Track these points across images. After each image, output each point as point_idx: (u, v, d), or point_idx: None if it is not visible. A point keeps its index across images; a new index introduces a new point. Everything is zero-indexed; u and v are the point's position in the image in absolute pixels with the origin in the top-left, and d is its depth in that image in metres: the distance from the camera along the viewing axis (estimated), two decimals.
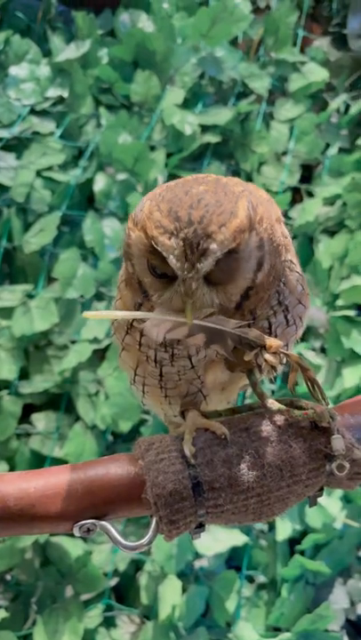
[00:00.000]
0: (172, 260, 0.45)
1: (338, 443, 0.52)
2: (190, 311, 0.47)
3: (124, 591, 1.46)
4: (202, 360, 0.55)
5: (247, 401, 1.58)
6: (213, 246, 0.45)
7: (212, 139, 1.72)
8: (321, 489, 0.58)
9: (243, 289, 0.50)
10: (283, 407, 0.53)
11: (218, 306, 0.49)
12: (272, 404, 0.53)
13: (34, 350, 1.54)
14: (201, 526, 0.55)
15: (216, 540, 1.41)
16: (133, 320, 0.54)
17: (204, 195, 0.47)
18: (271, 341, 0.50)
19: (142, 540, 0.53)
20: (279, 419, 0.56)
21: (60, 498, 0.53)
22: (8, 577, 1.41)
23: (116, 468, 0.54)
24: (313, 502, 0.60)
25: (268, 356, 0.50)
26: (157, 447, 0.55)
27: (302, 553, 1.46)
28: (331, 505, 1.46)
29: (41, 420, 1.48)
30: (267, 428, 0.56)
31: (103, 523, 0.53)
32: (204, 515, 0.54)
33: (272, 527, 1.49)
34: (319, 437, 0.55)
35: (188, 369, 0.55)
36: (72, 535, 1.40)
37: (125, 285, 0.54)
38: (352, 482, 0.58)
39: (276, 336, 0.55)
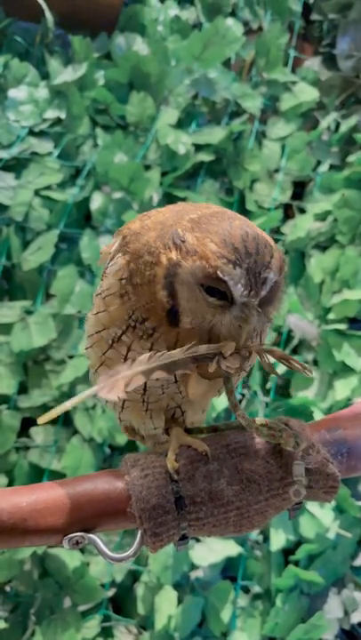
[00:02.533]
0: (238, 289, 0.49)
1: (297, 469, 0.56)
2: (245, 336, 0.51)
3: (122, 602, 1.49)
4: (184, 375, 0.56)
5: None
6: (271, 275, 0.50)
7: (206, 157, 1.77)
8: (299, 502, 0.62)
9: (277, 313, 0.54)
10: (252, 423, 0.56)
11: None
12: (243, 417, 0.55)
13: (32, 365, 1.57)
14: (184, 538, 0.58)
15: (211, 551, 1.43)
16: (122, 334, 0.55)
17: (245, 227, 0.51)
18: (225, 347, 0.52)
19: (128, 552, 0.56)
20: (258, 435, 0.60)
21: (50, 512, 0.56)
22: (7, 588, 1.44)
23: (104, 484, 0.57)
24: (292, 514, 0.63)
25: (227, 362, 0.52)
26: (142, 463, 0.59)
27: (297, 563, 1.48)
28: (324, 515, 1.48)
29: (39, 434, 1.52)
30: (246, 444, 0.59)
31: (91, 535, 0.56)
32: (187, 527, 0.57)
33: (266, 538, 1.52)
34: (296, 454, 0.58)
35: (171, 382, 0.57)
36: None
37: (120, 298, 0.55)
38: (328, 495, 0.61)
39: (260, 340, 0.58)
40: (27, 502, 0.56)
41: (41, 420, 0.51)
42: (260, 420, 0.60)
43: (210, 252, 0.50)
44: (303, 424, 0.62)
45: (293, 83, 1.94)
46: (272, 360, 0.56)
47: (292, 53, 2.04)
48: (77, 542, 0.56)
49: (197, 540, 1.47)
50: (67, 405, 0.51)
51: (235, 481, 0.57)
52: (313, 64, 2.02)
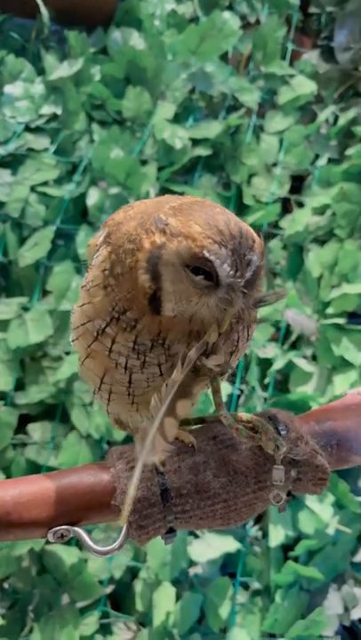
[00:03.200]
0: (224, 269, 0.48)
1: (277, 474, 0.55)
2: (229, 319, 0.50)
3: (121, 598, 1.48)
4: (170, 368, 0.56)
5: (241, 409, 1.60)
6: (255, 258, 0.50)
7: (203, 152, 1.76)
8: (289, 494, 0.61)
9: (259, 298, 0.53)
10: (233, 423, 0.55)
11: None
12: (225, 417, 0.55)
13: (29, 362, 1.57)
14: (172, 531, 0.58)
15: (209, 547, 1.42)
16: (106, 326, 0.55)
17: (226, 214, 0.51)
18: (209, 335, 0.52)
19: (113, 545, 0.55)
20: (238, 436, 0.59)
21: (34, 505, 0.55)
22: (5, 585, 1.43)
23: (89, 477, 0.57)
24: (282, 508, 0.62)
25: (211, 360, 0.52)
26: (128, 456, 0.58)
27: (296, 559, 1.48)
28: (323, 511, 1.47)
29: (37, 430, 1.51)
30: (233, 436, 0.59)
31: (76, 529, 0.56)
32: (173, 520, 0.56)
33: (265, 534, 1.51)
34: (276, 458, 0.57)
35: (157, 376, 0.56)
36: (67, 543, 1.41)
37: (103, 289, 0.55)
38: (317, 487, 0.60)
39: (238, 350, 0.58)
40: (10, 496, 0.55)
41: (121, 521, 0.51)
42: (246, 415, 0.59)
43: (195, 233, 0.49)
44: (292, 416, 0.61)
45: (291, 76, 1.92)
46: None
47: (290, 47, 2.03)
48: (62, 535, 0.56)
49: (195, 537, 1.47)
50: (130, 490, 0.50)
51: (221, 473, 0.56)
52: (311, 57, 2.01)
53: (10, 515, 0.55)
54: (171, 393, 0.51)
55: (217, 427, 0.60)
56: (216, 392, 0.56)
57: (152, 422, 0.51)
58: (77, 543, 1.44)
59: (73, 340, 0.60)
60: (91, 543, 0.55)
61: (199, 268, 0.50)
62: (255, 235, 0.52)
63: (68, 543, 1.43)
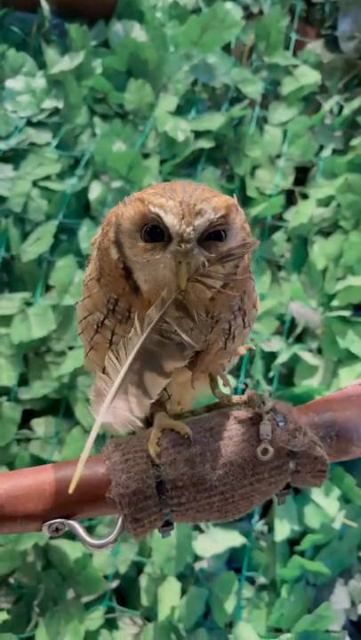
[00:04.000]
0: (170, 218, 0.48)
1: (263, 428, 0.55)
2: (184, 272, 0.49)
3: (126, 593, 1.48)
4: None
5: None
6: (207, 207, 0.49)
7: (206, 144, 1.74)
8: (288, 487, 0.60)
9: (230, 267, 0.52)
10: (226, 394, 0.57)
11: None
12: (218, 391, 0.58)
13: (33, 357, 1.57)
14: (168, 524, 0.57)
15: (214, 542, 1.42)
16: (104, 318, 0.56)
17: (192, 182, 0.52)
18: (166, 293, 0.52)
19: (108, 539, 0.54)
20: (243, 419, 0.58)
21: (28, 498, 0.54)
22: (11, 580, 1.43)
23: (84, 469, 0.56)
24: (281, 500, 0.61)
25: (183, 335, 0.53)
26: (124, 448, 0.57)
27: (302, 554, 1.46)
28: (329, 505, 1.46)
29: (40, 425, 1.51)
30: (230, 427, 0.58)
31: (71, 522, 0.55)
32: (169, 513, 0.55)
33: (271, 528, 1.50)
34: (281, 436, 0.56)
35: None
36: (72, 538, 1.40)
37: (97, 282, 0.56)
38: (317, 479, 0.59)
39: (233, 337, 0.57)
40: (4, 489, 0.55)
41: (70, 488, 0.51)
42: (236, 398, 0.59)
43: (146, 194, 0.50)
44: (291, 407, 0.60)
45: (295, 66, 1.90)
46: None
47: (294, 37, 2.00)
48: (57, 529, 0.55)
49: (201, 531, 1.46)
50: (84, 456, 0.51)
51: (218, 465, 0.55)
52: (315, 47, 1.98)
53: (4, 508, 0.54)
54: (131, 354, 0.50)
55: (213, 418, 0.59)
56: (201, 368, 0.56)
57: (109, 383, 0.52)
58: None
59: (79, 334, 0.62)
60: (85, 536, 0.54)
61: (152, 228, 0.50)
62: (230, 203, 0.51)
63: (72, 538, 1.43)
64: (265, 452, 0.54)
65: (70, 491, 0.51)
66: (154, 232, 0.50)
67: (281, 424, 0.57)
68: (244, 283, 0.55)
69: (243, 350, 0.63)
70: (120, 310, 0.54)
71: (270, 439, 0.54)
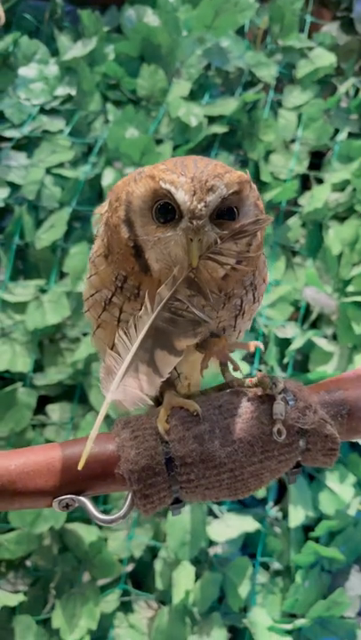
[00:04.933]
0: (180, 195, 0.48)
1: (277, 407, 0.54)
2: (196, 250, 0.48)
3: (141, 577, 1.49)
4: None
5: None
6: (220, 183, 0.48)
7: (219, 129, 1.73)
8: (298, 465, 0.59)
9: (243, 245, 0.51)
10: (237, 378, 0.57)
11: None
12: (227, 375, 0.58)
13: (48, 343, 1.58)
14: (178, 502, 0.57)
15: (228, 527, 1.42)
16: (112, 296, 0.55)
17: (205, 159, 0.51)
18: (177, 270, 0.51)
19: (118, 514, 0.55)
20: (253, 397, 0.58)
21: (39, 475, 0.55)
22: (27, 563, 1.46)
23: (94, 446, 0.56)
24: (292, 479, 0.61)
25: (198, 313, 0.52)
26: (133, 425, 0.57)
27: (318, 540, 1.46)
28: (344, 491, 1.45)
29: (55, 411, 1.52)
30: (239, 405, 0.57)
31: (81, 498, 0.55)
32: (178, 490, 0.55)
33: (286, 514, 1.50)
34: (291, 414, 0.56)
35: None
36: (87, 522, 1.42)
37: (105, 258, 0.55)
38: (328, 458, 0.59)
39: (243, 313, 0.57)
40: (15, 465, 0.55)
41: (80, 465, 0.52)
42: (247, 381, 0.59)
43: (157, 171, 0.49)
44: (301, 385, 0.60)
45: (310, 49, 1.87)
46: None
47: (309, 19, 1.97)
48: (67, 505, 0.56)
49: (215, 517, 1.46)
50: (93, 433, 0.52)
51: (227, 442, 0.55)
52: (331, 29, 1.95)
53: (15, 484, 0.55)
54: (142, 332, 0.50)
55: (223, 396, 0.58)
56: (212, 354, 0.56)
57: (119, 360, 0.52)
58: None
59: (85, 312, 0.61)
60: (95, 512, 0.54)
61: (163, 205, 0.49)
62: (242, 178, 0.50)
63: (87, 522, 1.44)
64: (280, 432, 0.53)
65: (80, 467, 0.51)
66: (165, 209, 0.49)
67: (291, 402, 0.57)
68: (257, 259, 0.55)
69: (252, 347, 0.62)
70: (128, 287, 0.54)
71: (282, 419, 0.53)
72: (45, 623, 1.38)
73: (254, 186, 0.53)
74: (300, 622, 1.39)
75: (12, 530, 1.40)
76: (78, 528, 1.42)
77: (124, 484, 0.55)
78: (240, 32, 1.89)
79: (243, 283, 0.55)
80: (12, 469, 0.55)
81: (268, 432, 0.55)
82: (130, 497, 0.55)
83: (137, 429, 0.56)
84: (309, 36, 1.95)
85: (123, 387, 0.52)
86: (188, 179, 0.48)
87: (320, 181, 1.77)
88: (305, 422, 0.56)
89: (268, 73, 1.82)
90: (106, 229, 0.54)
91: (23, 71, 1.78)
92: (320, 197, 1.66)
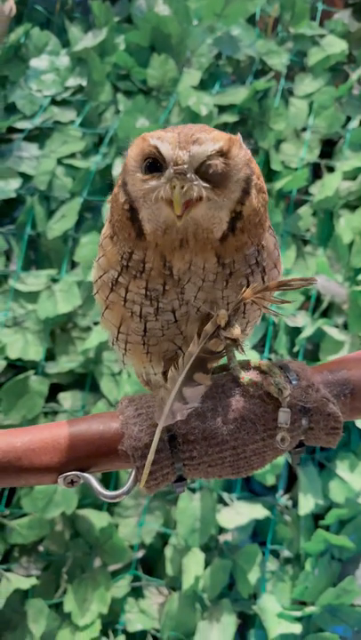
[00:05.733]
0: (165, 147, 0.49)
1: (282, 416, 0.54)
2: (179, 197, 0.49)
3: (152, 563, 1.51)
4: (185, 315, 0.57)
5: None
6: (205, 137, 0.50)
7: (230, 118, 1.72)
8: (301, 445, 0.60)
9: (233, 202, 0.51)
10: (240, 373, 0.57)
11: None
12: (234, 368, 0.58)
13: (59, 332, 1.59)
14: (181, 480, 0.58)
15: (238, 514, 1.43)
16: (118, 276, 0.56)
17: (198, 125, 0.53)
18: (219, 316, 0.55)
19: (122, 490, 0.56)
20: (255, 376, 0.58)
21: (44, 451, 0.56)
22: (40, 547, 1.48)
23: (98, 424, 0.57)
24: (295, 459, 0.61)
25: (226, 332, 0.55)
26: (137, 403, 0.58)
27: (327, 528, 1.46)
28: (354, 480, 1.45)
29: (67, 399, 1.54)
30: (242, 384, 0.58)
31: (86, 474, 0.56)
32: (182, 468, 0.56)
33: (296, 503, 1.50)
34: (293, 393, 0.56)
35: (171, 323, 0.57)
36: (99, 508, 1.43)
37: (111, 240, 0.56)
38: (331, 437, 0.59)
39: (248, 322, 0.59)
40: (21, 442, 0.56)
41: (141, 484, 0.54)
42: (254, 362, 0.58)
43: (150, 132, 0.52)
44: (304, 365, 0.60)
45: (321, 36, 1.85)
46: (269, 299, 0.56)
47: (320, 6, 1.95)
48: (72, 481, 0.56)
49: (225, 504, 1.47)
50: (150, 459, 0.54)
51: (229, 420, 0.56)
52: (342, 16, 1.93)
53: (21, 460, 0.56)
54: (187, 365, 0.53)
55: (227, 376, 0.59)
56: (228, 352, 0.57)
57: (170, 392, 0.54)
58: (108, 508, 1.46)
59: (94, 294, 0.62)
60: (100, 488, 0.55)
61: (152, 162, 0.50)
62: (233, 139, 0.51)
63: (99, 508, 1.46)
64: (283, 440, 0.54)
65: (141, 486, 0.54)
66: (154, 166, 0.50)
67: (294, 382, 0.57)
68: (258, 230, 0.55)
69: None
70: (133, 265, 0.55)
71: (289, 429, 0.55)
72: (57, 607, 1.40)
73: (246, 149, 0.53)
74: (309, 610, 1.39)
75: (24, 515, 1.42)
76: (89, 514, 1.43)
77: (127, 460, 0.56)
78: (251, 20, 1.87)
79: (246, 258, 0.55)
80: (18, 446, 0.56)
81: (270, 411, 0.56)
82: (133, 473, 0.55)
83: (140, 407, 0.57)
84: (321, 24, 1.93)
85: (171, 412, 0.54)
86: (175, 134, 0.50)
87: (331, 170, 1.75)
88: (307, 401, 0.56)
89: (279, 61, 1.81)
90: (111, 205, 0.56)
91: (35, 62, 1.79)
92: (331, 186, 1.64)
